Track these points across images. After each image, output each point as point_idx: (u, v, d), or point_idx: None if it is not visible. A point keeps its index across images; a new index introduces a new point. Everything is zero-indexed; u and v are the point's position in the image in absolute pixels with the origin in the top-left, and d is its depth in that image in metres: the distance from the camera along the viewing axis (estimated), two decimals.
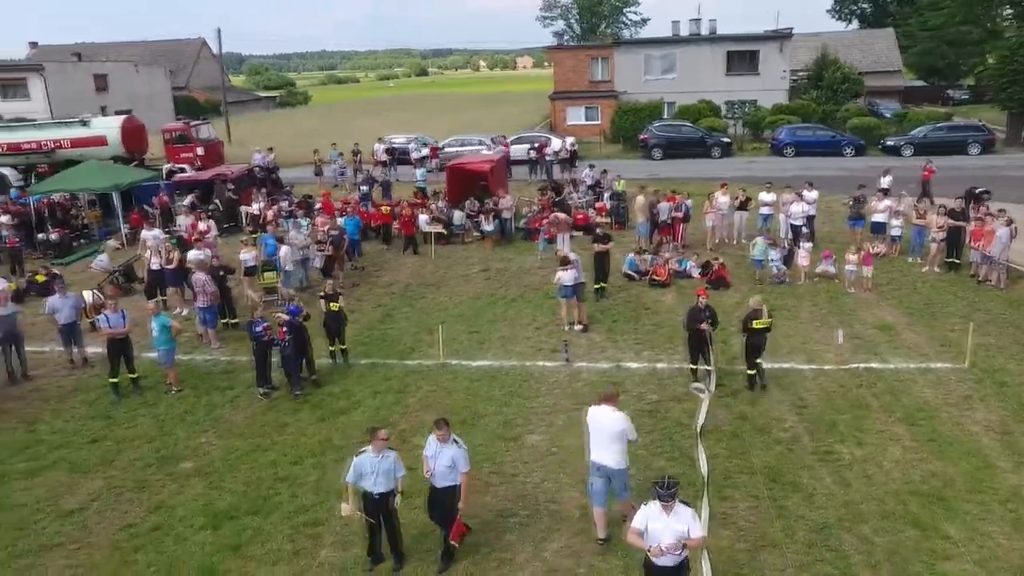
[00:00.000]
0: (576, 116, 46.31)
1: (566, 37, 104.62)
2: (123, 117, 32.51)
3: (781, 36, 45.62)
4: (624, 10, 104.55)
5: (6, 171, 32.76)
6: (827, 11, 79.15)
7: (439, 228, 22.95)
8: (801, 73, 48.11)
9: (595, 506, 9.03)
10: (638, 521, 7.06)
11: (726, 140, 37.36)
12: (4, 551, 9.49)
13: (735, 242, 22.35)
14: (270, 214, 23.86)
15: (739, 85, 45.77)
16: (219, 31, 48.91)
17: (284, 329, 13.26)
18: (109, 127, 32.28)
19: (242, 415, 12.96)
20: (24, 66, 52.15)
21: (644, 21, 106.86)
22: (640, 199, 22.24)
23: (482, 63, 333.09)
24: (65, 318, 14.66)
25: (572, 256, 16.16)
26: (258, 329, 13.28)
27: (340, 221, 21.08)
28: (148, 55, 70.07)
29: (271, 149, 33.33)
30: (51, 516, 10.20)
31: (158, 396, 13.82)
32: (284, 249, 18.52)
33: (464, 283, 19.95)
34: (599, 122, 45.59)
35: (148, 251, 18.97)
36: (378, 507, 8.56)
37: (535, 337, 16.00)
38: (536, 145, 33.22)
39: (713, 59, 46.07)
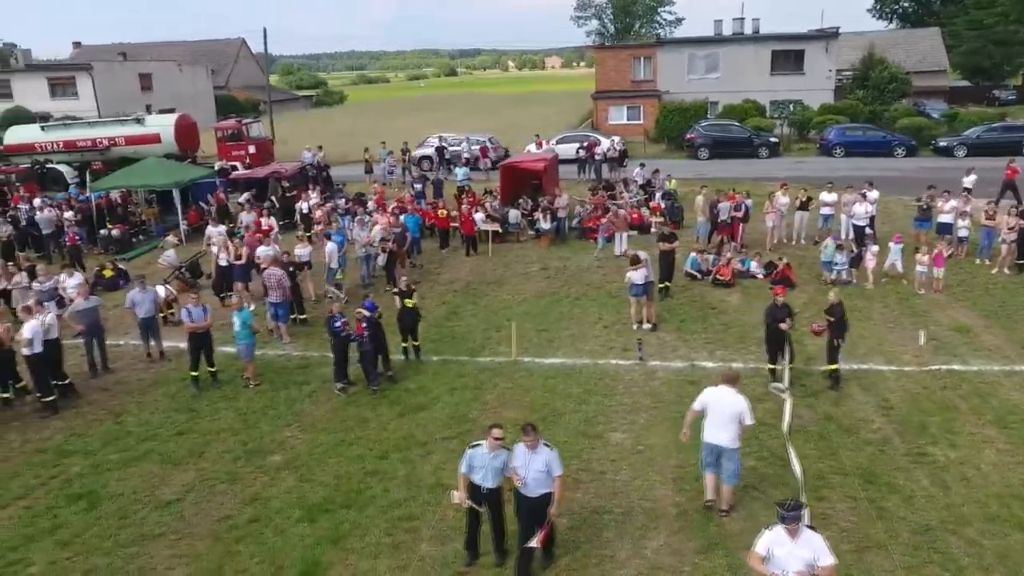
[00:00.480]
0: (618, 116, 46.14)
1: (600, 37, 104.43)
2: (177, 115, 32.97)
3: (827, 35, 45.09)
4: (658, 9, 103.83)
5: (62, 168, 33.32)
6: (867, 10, 78.02)
7: (495, 227, 22.96)
8: (845, 73, 47.48)
9: (707, 472, 9.52)
10: (761, 546, 6.79)
11: (774, 140, 37.01)
12: (109, 540, 9.64)
13: (794, 242, 22.13)
14: (319, 213, 24.01)
15: (783, 85, 45.35)
16: (264, 30, 49.31)
17: (363, 325, 13.34)
18: (163, 125, 32.74)
19: (322, 410, 13.06)
20: (74, 65, 53.08)
21: (678, 21, 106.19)
22: (700, 198, 22.14)
23: (511, 63, 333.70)
24: (145, 312, 14.89)
25: (643, 255, 16.09)
26: (337, 324, 13.38)
27: (401, 219, 21.18)
28: (189, 55, 70.91)
29: (320, 147, 33.59)
30: (149, 506, 10.34)
31: (236, 390, 13.97)
32: (330, 246, 18.65)
33: (525, 281, 19.95)
34: (641, 122, 45.36)
35: (215, 247, 19.26)
36: (484, 501, 8.56)
37: (604, 335, 15.96)
38: (585, 144, 33.14)
39: (757, 59, 45.68)
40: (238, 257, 18.16)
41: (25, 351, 12.78)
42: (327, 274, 18.68)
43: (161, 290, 17.03)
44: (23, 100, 51.15)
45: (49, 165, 33.33)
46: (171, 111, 33.29)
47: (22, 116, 46.92)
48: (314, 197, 25.87)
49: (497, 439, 8.34)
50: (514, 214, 24.07)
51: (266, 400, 13.46)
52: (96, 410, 13.31)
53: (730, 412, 9.12)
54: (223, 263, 18.46)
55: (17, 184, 30.17)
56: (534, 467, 8.27)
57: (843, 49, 48.75)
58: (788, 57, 45.51)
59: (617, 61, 47.73)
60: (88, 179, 31.41)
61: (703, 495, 9.77)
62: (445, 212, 23.12)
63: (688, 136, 37.32)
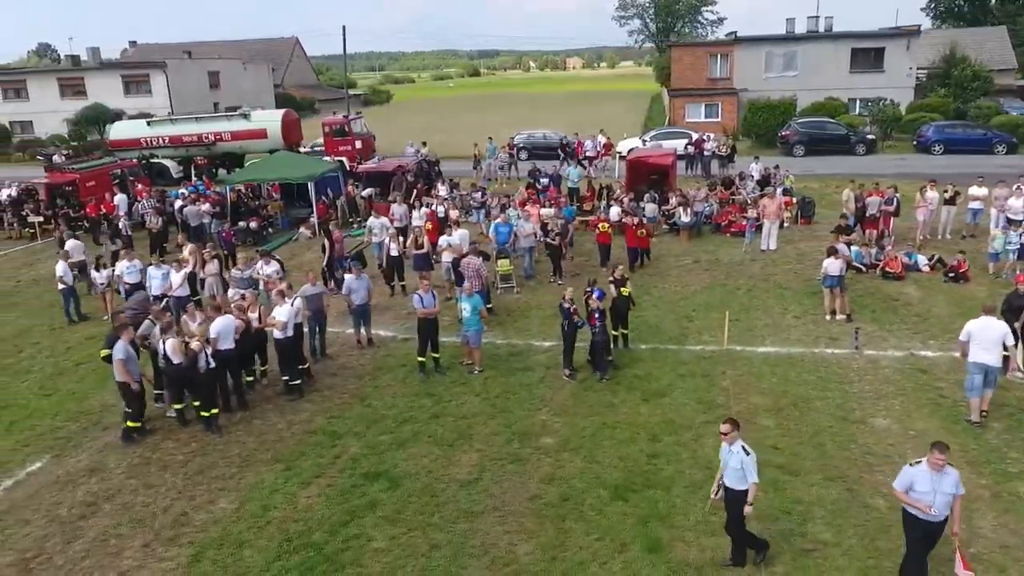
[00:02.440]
0: (695, 113, 46.20)
1: (643, 36, 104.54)
2: (283, 111, 33.40)
3: (909, 33, 44.93)
4: (701, 8, 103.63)
5: (167, 163, 33.75)
6: (921, 9, 77.54)
7: (636, 220, 23.02)
8: (921, 70, 47.30)
9: (972, 398, 11.37)
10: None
11: (871, 137, 36.93)
12: (434, 516, 9.83)
13: (940, 237, 22.15)
14: (454, 213, 24.16)
15: (862, 82, 45.26)
16: (343, 28, 49.70)
17: (596, 316, 13.48)
18: (270, 120, 33.12)
19: (562, 395, 13.21)
20: (148, 64, 53.58)
21: (720, 20, 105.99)
22: (846, 192, 22.19)
23: (532, 64, 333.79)
24: (360, 299, 15.09)
25: (840, 246, 16.15)
26: (569, 311, 13.54)
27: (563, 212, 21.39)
28: (245, 54, 71.40)
29: (424, 143, 33.83)
30: (452, 485, 10.51)
31: (462, 376, 14.14)
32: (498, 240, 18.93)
33: (686, 274, 20.06)
34: (719, 119, 45.35)
35: (376, 238, 19.59)
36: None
37: (801, 326, 16.05)
38: (693, 140, 33.21)
39: (836, 56, 45.61)
40: (419, 247, 18.35)
41: (278, 335, 13.00)
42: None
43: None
44: (97, 98, 51.74)
45: (154, 160, 33.73)
46: (236, 108, 33.63)
47: (102, 113, 47.61)
48: (443, 191, 26.11)
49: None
50: (651, 208, 24.14)
51: (500, 386, 13.61)
52: (339, 394, 13.51)
53: (995, 335, 11.11)
54: (395, 253, 18.67)
55: (131, 178, 30.53)
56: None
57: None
58: (868, 55, 45.42)
59: (694, 59, 47.77)
60: (193, 174, 31.91)
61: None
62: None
63: (783, 133, 37.32)
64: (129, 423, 11.80)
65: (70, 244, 20.84)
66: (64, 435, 12.43)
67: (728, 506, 8.57)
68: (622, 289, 14.82)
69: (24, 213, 27.23)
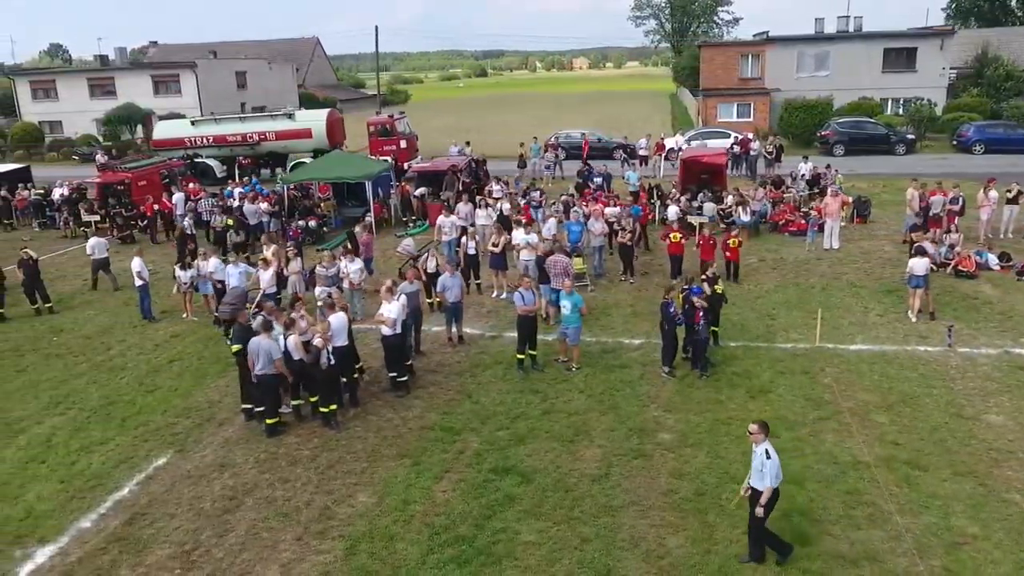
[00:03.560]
0: (727, 113, 46.24)
1: (659, 36, 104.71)
2: (327, 111, 33.55)
3: (942, 33, 44.97)
4: (716, 9, 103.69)
5: (211, 163, 33.90)
6: (942, 9, 77.47)
7: (701, 219, 23.16)
8: (952, 70, 47.31)
9: None
10: None
11: (911, 137, 37.00)
12: (574, 510, 9.94)
13: (1002, 236, 22.22)
14: (508, 205, 24.26)
15: (894, 82, 45.32)
16: (376, 28, 49.80)
17: (700, 313, 13.59)
18: (315, 120, 33.27)
19: (666, 392, 13.32)
20: (178, 64, 53.75)
21: (736, 21, 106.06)
22: (910, 191, 22.26)
23: (538, 64, 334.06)
24: (454, 297, 15.21)
25: (928, 246, 16.24)
26: (672, 310, 13.65)
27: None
28: (266, 53, 71.61)
29: (468, 143, 33.95)
30: (585, 481, 10.62)
31: (558, 372, 14.25)
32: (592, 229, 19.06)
33: (754, 273, 20.15)
34: (751, 119, 45.41)
35: (446, 236, 19.72)
36: None
37: (886, 324, 16.15)
38: (739, 140, 33.30)
39: (868, 56, 45.66)
40: (495, 244, 18.46)
41: (387, 331, 13.12)
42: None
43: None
44: (127, 97, 51.91)
45: (198, 159, 33.87)
46: (262, 108, 33.92)
47: (135, 112, 47.82)
48: (497, 190, 26.23)
49: None
50: (709, 207, 24.23)
51: (602, 383, 13.71)
52: (444, 391, 13.63)
53: None
54: (472, 252, 18.79)
55: (179, 177, 30.69)
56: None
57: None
58: (900, 55, 45.47)
59: (725, 58, 47.86)
60: (237, 173, 32.05)
61: None
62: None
63: (823, 133, 37.38)
64: (269, 419, 11.98)
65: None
66: (179, 431, 12.55)
67: (751, 505, 8.68)
68: (715, 287, 14.91)
69: (78, 212, 27.34)
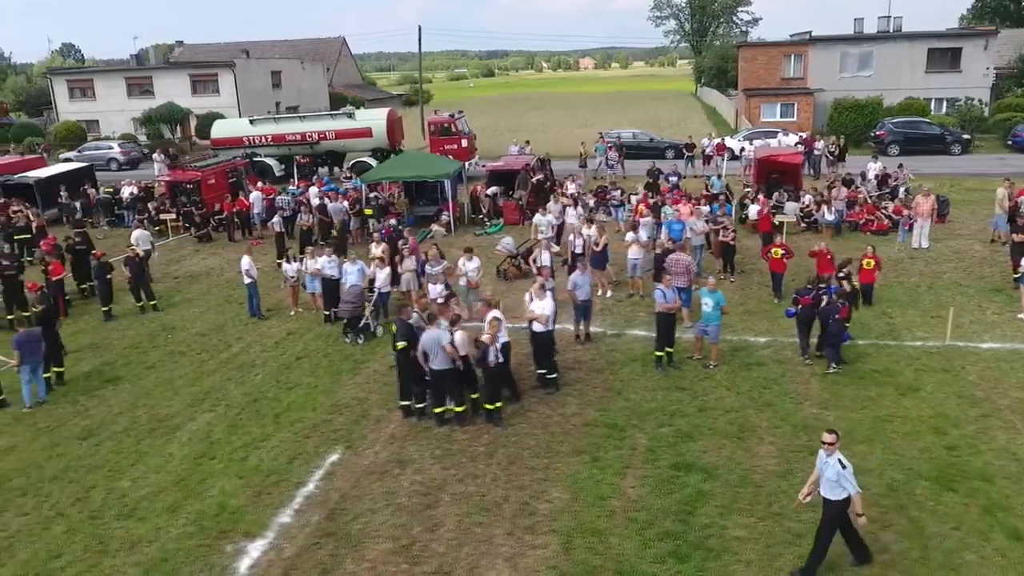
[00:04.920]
0: (770, 113, 46.31)
1: (679, 36, 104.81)
2: (387, 110, 33.64)
3: (986, 33, 45.03)
4: (736, 9, 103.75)
5: (270, 162, 33.96)
6: (968, 8, 77.35)
7: (791, 218, 23.22)
8: (992, 69, 47.29)
9: None
10: None
11: (966, 137, 37.03)
12: (771, 506, 9.97)
13: None
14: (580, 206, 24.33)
15: (938, 83, 45.38)
16: (419, 28, 49.86)
17: (847, 307, 13.66)
18: (375, 119, 33.35)
19: (813, 389, 13.37)
20: (217, 63, 53.82)
21: (755, 21, 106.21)
22: (1000, 191, 22.32)
23: (544, 64, 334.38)
24: (584, 295, 15.26)
25: None
26: (824, 303, 13.77)
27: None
28: (293, 53, 71.68)
29: (528, 141, 34.00)
30: (771, 477, 10.66)
31: (696, 370, 14.29)
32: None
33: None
34: (795, 119, 45.47)
35: (542, 234, 19.78)
36: None
37: (1007, 323, 16.20)
38: (803, 139, 33.34)
39: (912, 56, 45.71)
40: (596, 244, 18.50)
41: (538, 328, 13.18)
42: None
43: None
44: (164, 97, 52.03)
45: (256, 158, 33.93)
46: (295, 108, 34.04)
47: (175, 111, 47.92)
48: (572, 189, 26.29)
49: None
50: (791, 207, 24.30)
51: (745, 381, 13.76)
52: (590, 388, 13.67)
53: None
54: (578, 250, 18.81)
55: (244, 176, 30.75)
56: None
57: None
58: (944, 55, 45.51)
59: (767, 58, 47.93)
60: (295, 172, 32.12)
61: None
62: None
63: (877, 132, 37.41)
64: (489, 405, 12.18)
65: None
66: (338, 427, 12.61)
67: (824, 513, 8.63)
68: (851, 283, 14.98)
69: (153, 211, 27.41)
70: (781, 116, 46.26)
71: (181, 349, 16.66)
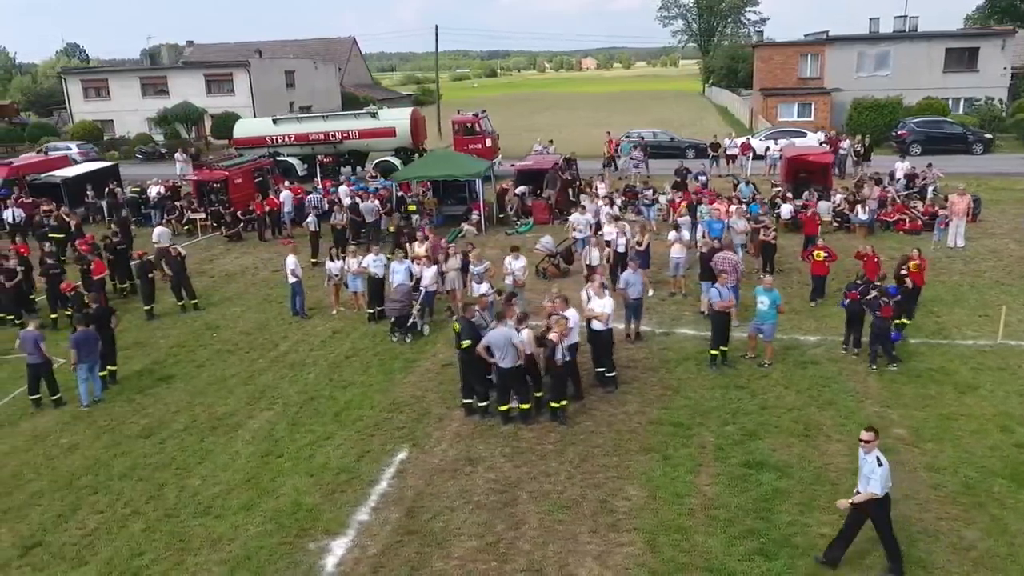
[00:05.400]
0: (788, 112, 46.29)
1: (686, 36, 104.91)
2: (411, 109, 33.65)
3: (1004, 33, 45.04)
4: (744, 9, 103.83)
5: (293, 161, 33.96)
6: (977, 7, 77.18)
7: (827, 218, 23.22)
8: (1008, 69, 47.25)
9: None
10: None
11: (988, 136, 37.03)
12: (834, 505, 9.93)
13: None
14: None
15: (956, 82, 45.38)
16: (436, 28, 49.85)
17: (891, 305, 13.70)
18: (399, 119, 33.35)
19: (872, 387, 13.38)
20: (232, 62, 53.84)
21: (763, 20, 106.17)
22: None
23: (546, 64, 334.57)
24: (636, 293, 15.26)
25: None
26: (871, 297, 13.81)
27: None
28: (303, 53, 71.70)
29: (551, 141, 34.00)
30: (846, 475, 10.59)
31: (751, 368, 14.28)
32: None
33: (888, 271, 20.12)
34: (812, 118, 45.46)
35: (578, 233, 19.81)
36: None
37: None
38: (828, 138, 33.34)
39: (929, 56, 45.69)
40: (639, 243, 18.50)
41: (599, 326, 13.18)
42: None
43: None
44: (179, 96, 52.04)
45: (279, 158, 33.92)
46: (308, 107, 34.03)
47: (192, 111, 47.94)
48: (602, 189, 26.28)
49: None
50: (824, 206, 24.28)
51: (802, 379, 13.74)
52: (649, 386, 13.67)
53: None
54: (621, 250, 18.82)
55: (270, 176, 30.75)
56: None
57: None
58: (962, 55, 45.51)
59: (784, 58, 47.93)
60: (318, 172, 32.13)
61: None
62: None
63: (899, 132, 37.40)
64: (554, 403, 12.15)
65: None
66: (401, 426, 12.60)
67: (871, 515, 8.64)
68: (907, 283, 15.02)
69: (181, 209, 27.42)
70: (798, 116, 46.23)
71: (228, 348, 16.65)
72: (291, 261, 17.95)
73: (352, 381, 14.52)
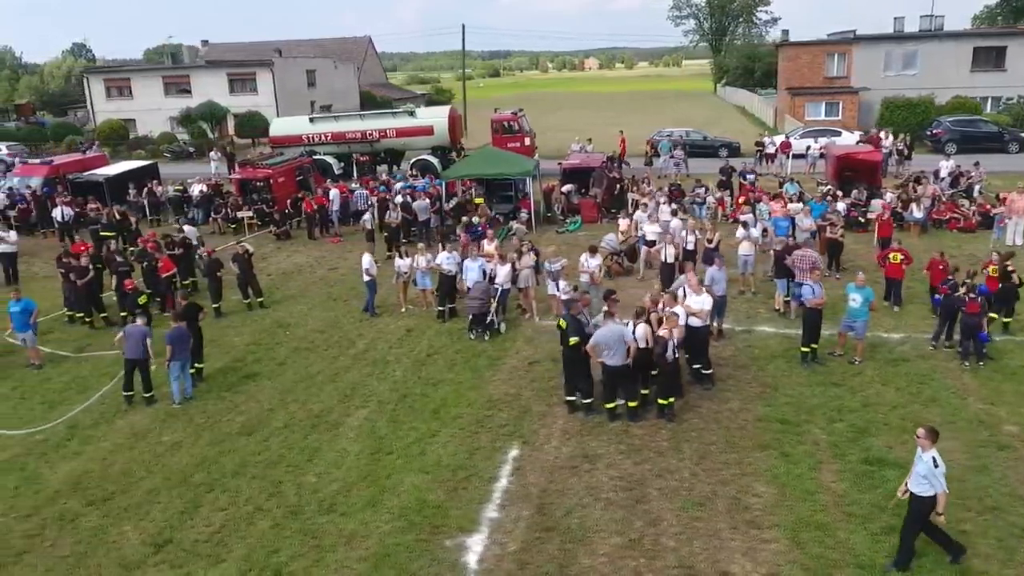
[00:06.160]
0: (815, 111, 46.26)
1: (698, 36, 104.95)
2: (448, 107, 33.58)
3: None
4: (755, 9, 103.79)
5: (330, 160, 33.91)
6: (984, 8, 77.19)
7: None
8: None
9: None
10: None
11: (1023, 135, 37.02)
12: (984, 500, 9.90)
13: None
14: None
15: (983, 81, 45.35)
16: (463, 27, 49.77)
17: (974, 300, 13.76)
18: (436, 118, 33.32)
19: (970, 384, 13.34)
20: (255, 61, 53.76)
21: (775, 20, 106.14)
22: None
23: (549, 64, 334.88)
24: (720, 290, 15.20)
25: None
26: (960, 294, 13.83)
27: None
28: (320, 52, 71.58)
29: (590, 139, 33.96)
30: (970, 472, 10.57)
31: (843, 366, 14.23)
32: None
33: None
34: (839, 117, 45.45)
35: (688, 230, 19.68)
36: None
37: None
38: (868, 137, 33.30)
39: (957, 55, 45.67)
40: (709, 240, 18.46)
41: (697, 323, 13.12)
42: None
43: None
44: (202, 95, 51.91)
45: (315, 156, 33.86)
46: (328, 107, 33.83)
47: (217, 110, 47.88)
48: (650, 188, 26.23)
49: None
50: (877, 204, 24.23)
51: (896, 375, 13.70)
52: (744, 384, 13.62)
53: None
54: (690, 247, 18.77)
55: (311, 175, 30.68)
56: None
57: None
58: (989, 54, 45.50)
59: (811, 57, 47.91)
60: (355, 171, 32.06)
61: None
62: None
63: (934, 131, 37.39)
64: (663, 400, 12.17)
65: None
66: (503, 423, 12.55)
67: (910, 509, 8.64)
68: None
69: (226, 208, 27.36)
70: (825, 115, 46.20)
71: (305, 345, 16.59)
72: (367, 260, 17.92)
73: (441, 379, 14.46)
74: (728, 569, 8.74)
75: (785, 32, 52.99)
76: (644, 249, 19.92)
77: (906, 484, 8.75)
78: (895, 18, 50.74)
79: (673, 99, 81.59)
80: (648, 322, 12.44)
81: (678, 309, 12.34)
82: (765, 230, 19.72)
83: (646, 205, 21.87)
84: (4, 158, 41.58)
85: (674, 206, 22.25)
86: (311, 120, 34.97)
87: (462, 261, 17.46)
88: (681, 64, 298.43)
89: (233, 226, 27.31)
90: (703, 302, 13.12)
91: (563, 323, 12.43)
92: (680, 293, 13.73)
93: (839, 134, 36.46)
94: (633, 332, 11.94)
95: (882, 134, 33.75)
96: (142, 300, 16.73)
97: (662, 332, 11.92)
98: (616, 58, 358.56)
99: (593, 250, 17.09)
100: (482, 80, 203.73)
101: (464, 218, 25.08)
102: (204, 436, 12.62)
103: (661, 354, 11.88)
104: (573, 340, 12.17)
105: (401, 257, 18.49)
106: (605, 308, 12.56)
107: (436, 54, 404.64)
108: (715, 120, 54.79)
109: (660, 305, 13.05)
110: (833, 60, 47.77)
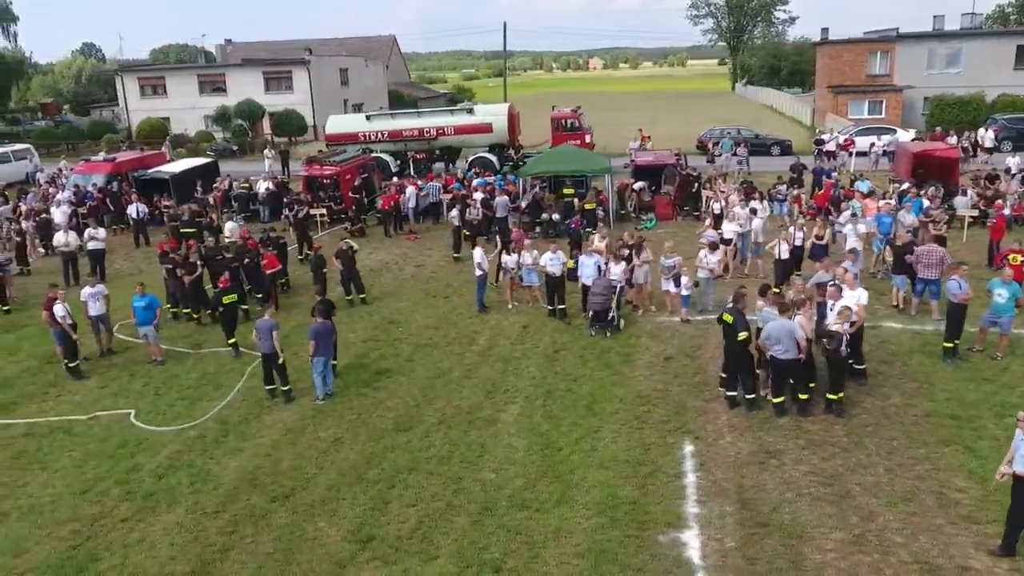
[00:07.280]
0: (858, 110, 46.18)
1: (716, 35, 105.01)
2: (507, 105, 33.41)
3: None
4: (773, 8, 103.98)
5: (386, 158, 33.77)
6: (996, 7, 77.20)
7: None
8: None
9: None
10: None
11: None
12: None
13: None
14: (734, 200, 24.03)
15: None
16: (504, 24, 49.70)
17: None
18: (495, 115, 33.18)
19: None
20: (291, 60, 53.64)
21: (792, 20, 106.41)
22: None
23: (553, 64, 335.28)
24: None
25: None
26: None
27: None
28: (345, 51, 71.53)
29: (648, 137, 33.84)
30: None
31: (986, 361, 14.09)
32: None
33: None
34: (883, 115, 45.35)
35: (795, 227, 19.45)
36: None
37: None
38: (933, 135, 33.19)
39: (1001, 53, 45.60)
40: (819, 238, 18.33)
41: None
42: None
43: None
44: (237, 94, 51.81)
45: (373, 154, 33.70)
46: (359, 105, 33.66)
47: (255, 108, 47.78)
48: (723, 186, 26.09)
49: None
50: (962, 201, 24.11)
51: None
52: (895, 379, 13.48)
53: None
54: (799, 243, 18.60)
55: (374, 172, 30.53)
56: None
57: None
58: None
59: (853, 56, 47.82)
60: (410, 168, 31.91)
61: None
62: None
63: (989, 129, 37.25)
64: (832, 395, 12.05)
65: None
66: (664, 418, 12.45)
67: (1014, 493, 8.56)
68: None
69: (294, 205, 27.16)
70: (868, 113, 46.11)
71: (424, 342, 16.45)
72: (478, 254, 17.81)
73: (578, 375, 14.34)
74: (967, 564, 8.60)
75: (825, 31, 52.60)
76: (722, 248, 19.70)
77: (1002, 467, 8.69)
78: (935, 16, 50.80)
79: (694, 98, 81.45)
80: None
81: (850, 303, 12.20)
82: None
83: (743, 200, 21.62)
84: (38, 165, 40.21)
85: (753, 204, 22.04)
86: (368, 118, 34.81)
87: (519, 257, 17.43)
88: (686, 64, 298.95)
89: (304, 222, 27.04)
90: (859, 297, 13.00)
91: (728, 317, 12.30)
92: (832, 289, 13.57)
93: (894, 132, 36.33)
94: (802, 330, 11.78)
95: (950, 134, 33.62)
96: (227, 300, 16.29)
97: (835, 326, 11.78)
98: (619, 58, 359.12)
99: (714, 247, 16.99)
100: (490, 80, 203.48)
101: (544, 215, 25.08)
102: (361, 432, 12.49)
103: (836, 348, 11.74)
104: (743, 335, 12.03)
105: (507, 253, 18.35)
106: (761, 302, 12.45)
107: (438, 54, 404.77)
108: (760, 117, 54.63)
109: (812, 298, 12.94)
110: (875, 58, 47.68)
